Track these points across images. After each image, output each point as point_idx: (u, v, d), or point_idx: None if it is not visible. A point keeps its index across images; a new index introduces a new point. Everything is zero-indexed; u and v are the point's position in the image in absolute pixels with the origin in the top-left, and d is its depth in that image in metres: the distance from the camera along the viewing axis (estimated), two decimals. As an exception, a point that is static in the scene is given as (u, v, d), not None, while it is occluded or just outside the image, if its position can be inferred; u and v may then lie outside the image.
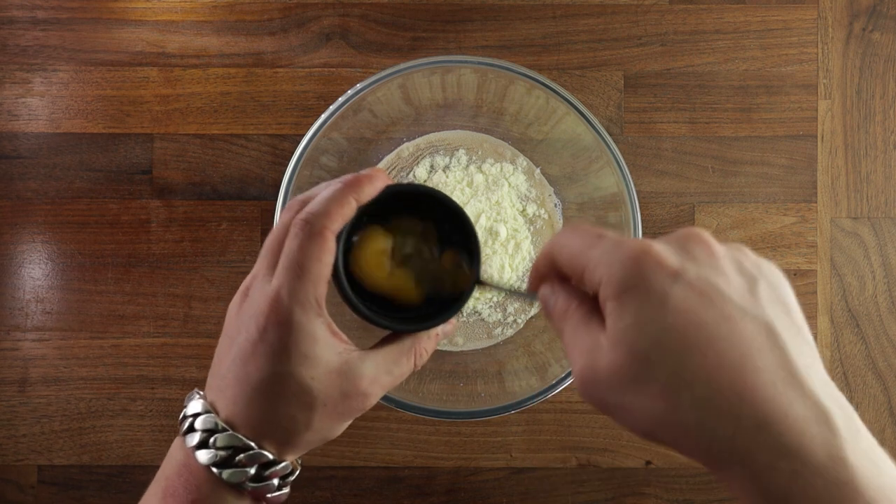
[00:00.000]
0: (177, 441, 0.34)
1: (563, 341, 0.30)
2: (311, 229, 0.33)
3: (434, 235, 0.39)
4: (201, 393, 0.35)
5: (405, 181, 0.60)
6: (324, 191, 0.35)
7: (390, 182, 0.37)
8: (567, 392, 0.61)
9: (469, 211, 0.58)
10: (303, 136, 0.52)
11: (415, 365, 0.37)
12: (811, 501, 0.23)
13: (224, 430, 0.33)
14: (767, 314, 0.26)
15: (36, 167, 0.62)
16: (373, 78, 0.52)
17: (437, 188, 0.42)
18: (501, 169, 0.60)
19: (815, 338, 0.61)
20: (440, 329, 0.38)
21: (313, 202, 0.34)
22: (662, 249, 0.27)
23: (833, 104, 0.62)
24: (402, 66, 0.51)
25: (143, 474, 0.61)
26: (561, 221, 0.60)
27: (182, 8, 0.62)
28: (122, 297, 0.61)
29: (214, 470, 0.33)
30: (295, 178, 0.51)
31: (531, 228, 0.60)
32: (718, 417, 0.24)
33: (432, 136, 0.61)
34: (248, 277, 0.35)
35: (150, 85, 0.62)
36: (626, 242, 0.28)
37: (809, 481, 0.23)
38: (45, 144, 0.62)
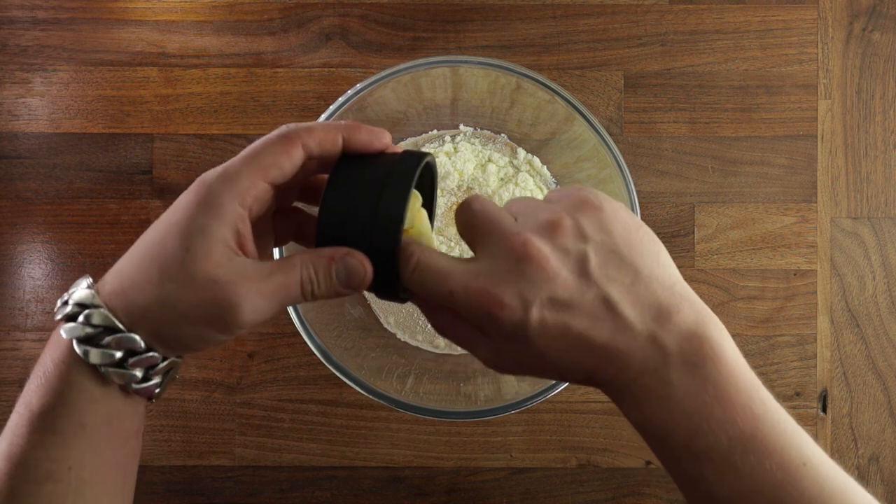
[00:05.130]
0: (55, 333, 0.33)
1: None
2: (286, 132, 0.32)
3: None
4: (90, 280, 0.33)
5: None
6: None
7: (391, 146, 0.34)
8: (567, 392, 0.61)
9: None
10: (303, 136, 0.52)
11: (303, 295, 0.32)
12: (644, 402, 0.31)
13: (97, 306, 0.31)
14: (599, 289, 0.31)
15: (36, 167, 0.62)
16: (373, 78, 0.52)
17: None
18: (503, 168, 0.60)
19: (815, 338, 0.61)
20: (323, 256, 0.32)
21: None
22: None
23: (833, 104, 0.62)
24: (402, 66, 0.51)
25: (143, 474, 0.61)
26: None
27: (182, 8, 0.62)
28: (122, 297, 0.61)
29: (78, 349, 0.31)
30: (295, 178, 0.51)
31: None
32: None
33: (433, 136, 0.61)
34: None
35: (150, 85, 0.62)
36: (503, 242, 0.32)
37: (646, 394, 0.31)
38: (45, 144, 0.62)
